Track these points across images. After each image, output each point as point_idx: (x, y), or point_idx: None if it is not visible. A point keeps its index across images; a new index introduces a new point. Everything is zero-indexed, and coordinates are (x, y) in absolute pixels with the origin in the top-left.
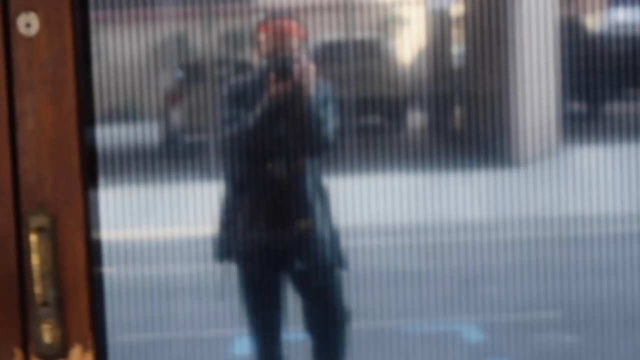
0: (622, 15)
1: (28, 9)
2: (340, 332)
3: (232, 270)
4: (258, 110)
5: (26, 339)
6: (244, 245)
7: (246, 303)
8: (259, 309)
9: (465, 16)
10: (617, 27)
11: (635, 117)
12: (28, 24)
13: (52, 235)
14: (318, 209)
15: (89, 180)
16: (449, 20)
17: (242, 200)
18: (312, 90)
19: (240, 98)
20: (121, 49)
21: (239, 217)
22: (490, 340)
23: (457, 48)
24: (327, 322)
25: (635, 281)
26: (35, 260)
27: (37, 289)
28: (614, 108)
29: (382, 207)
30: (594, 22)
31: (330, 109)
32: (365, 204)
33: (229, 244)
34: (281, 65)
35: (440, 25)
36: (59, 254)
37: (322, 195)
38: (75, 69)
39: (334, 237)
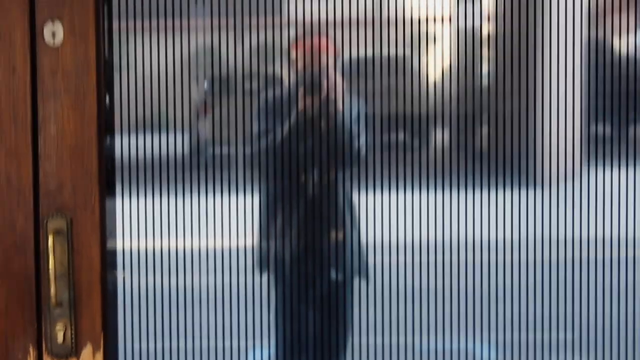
0: None
1: (54, 17)
2: (343, 332)
3: (267, 278)
4: (289, 124)
5: (40, 337)
6: (278, 254)
7: (280, 311)
8: (291, 319)
9: (494, 35)
10: None
11: None
12: (54, 33)
13: (69, 238)
14: (348, 220)
15: (107, 186)
16: (478, 39)
17: (277, 212)
18: (342, 105)
19: (274, 112)
20: (151, 59)
21: (275, 227)
22: (502, 359)
23: (485, 67)
24: (339, 318)
25: (618, 304)
26: (51, 262)
27: (52, 289)
28: (639, 131)
29: (404, 223)
30: (622, 45)
31: (362, 124)
32: (387, 220)
33: (265, 254)
34: (312, 82)
35: (469, 43)
36: (75, 257)
37: (352, 207)
38: (98, 78)
39: (359, 248)
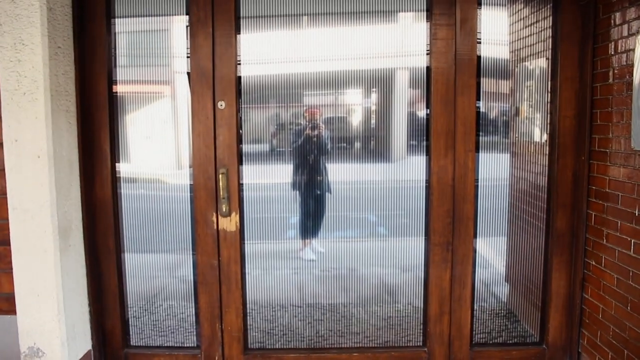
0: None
1: (221, 100)
2: (323, 211)
3: (295, 192)
4: (304, 138)
5: (217, 210)
6: (299, 184)
7: (300, 202)
8: (305, 206)
9: (376, 109)
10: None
11: (425, 147)
12: (221, 104)
13: (227, 176)
14: (324, 172)
15: (239, 160)
16: (370, 109)
17: (299, 169)
18: (323, 133)
19: (299, 134)
20: (256, 118)
21: (298, 175)
22: (379, 220)
23: (373, 118)
24: (322, 206)
25: (413, 201)
26: (221, 183)
27: (221, 193)
28: (424, 144)
29: (343, 174)
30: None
31: (329, 139)
32: (338, 173)
33: (295, 184)
34: (312, 124)
35: (366, 111)
36: (229, 181)
37: (325, 168)
38: (236, 122)
39: (329, 182)
